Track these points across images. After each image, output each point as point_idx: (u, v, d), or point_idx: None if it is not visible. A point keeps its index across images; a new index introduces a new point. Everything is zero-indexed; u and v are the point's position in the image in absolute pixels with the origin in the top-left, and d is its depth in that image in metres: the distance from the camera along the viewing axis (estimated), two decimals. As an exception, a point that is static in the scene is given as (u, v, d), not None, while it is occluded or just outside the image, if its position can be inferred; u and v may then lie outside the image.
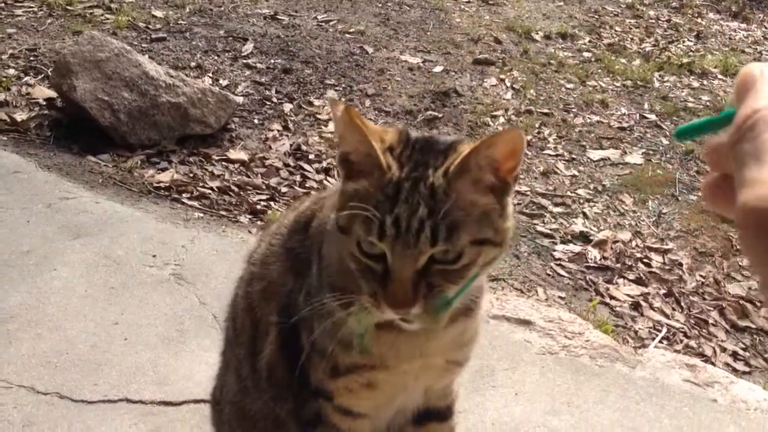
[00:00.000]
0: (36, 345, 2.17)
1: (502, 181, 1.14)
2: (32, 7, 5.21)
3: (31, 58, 4.45)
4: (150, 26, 5.16)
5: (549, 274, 3.35)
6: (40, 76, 4.25)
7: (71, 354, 2.16)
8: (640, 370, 2.33)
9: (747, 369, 2.97)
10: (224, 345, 1.67)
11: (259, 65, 4.81)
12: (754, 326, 3.24)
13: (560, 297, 3.19)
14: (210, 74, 4.60)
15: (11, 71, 4.26)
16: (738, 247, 3.71)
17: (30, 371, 2.09)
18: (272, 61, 4.89)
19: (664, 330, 3.04)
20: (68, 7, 5.26)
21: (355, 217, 1.11)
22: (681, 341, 3.08)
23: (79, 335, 2.23)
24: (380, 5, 6.29)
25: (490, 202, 1.13)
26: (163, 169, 3.60)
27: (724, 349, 3.10)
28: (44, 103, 3.94)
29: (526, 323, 2.44)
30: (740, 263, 3.59)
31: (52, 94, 3.92)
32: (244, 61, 4.85)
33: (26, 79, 4.21)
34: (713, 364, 2.91)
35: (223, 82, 4.52)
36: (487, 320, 2.44)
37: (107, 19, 5.18)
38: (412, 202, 1.09)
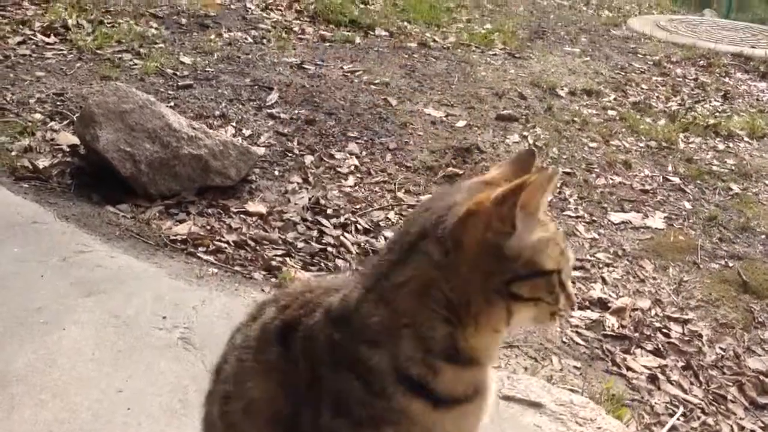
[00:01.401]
0: (38, 412, 2.16)
1: None
2: (62, 50, 5.31)
3: (58, 103, 4.52)
4: (177, 73, 5.23)
5: (565, 342, 3.30)
6: (65, 122, 4.31)
7: (73, 424, 2.14)
8: (652, 462, 2.28)
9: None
10: None
11: (282, 115, 4.84)
12: (773, 404, 3.17)
13: (575, 367, 3.14)
14: (234, 123, 4.64)
15: (37, 116, 4.32)
16: (759, 319, 3.65)
17: (30, 442, 2.09)
18: (296, 111, 4.92)
19: (680, 410, 2.98)
20: (98, 51, 5.35)
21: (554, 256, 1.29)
22: (698, 418, 3.02)
23: (82, 403, 2.22)
24: (407, 56, 6.34)
25: None
26: (181, 221, 3.61)
27: (742, 428, 3.03)
28: (68, 149, 3.99)
29: (536, 406, 2.39)
30: (761, 336, 3.53)
31: (76, 140, 3.97)
32: (269, 110, 4.89)
33: (51, 124, 4.27)
34: (730, 445, 2.86)
35: (247, 132, 4.56)
36: (497, 401, 2.40)
37: (135, 64, 5.26)
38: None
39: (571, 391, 2.71)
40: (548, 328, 3.12)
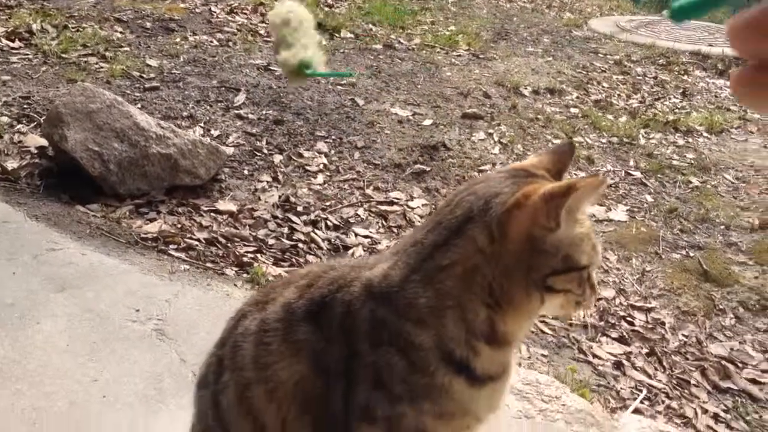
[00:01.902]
0: (15, 401, 2.18)
1: None
2: (28, 55, 5.29)
3: (25, 106, 4.51)
4: (144, 75, 5.23)
5: (533, 332, 3.37)
6: (32, 124, 4.29)
7: (50, 412, 2.17)
8: (616, 436, 2.35)
9: (728, 432, 2.98)
10: None
11: (250, 116, 4.88)
12: (735, 387, 3.25)
13: (543, 355, 3.21)
14: (201, 124, 4.66)
15: (4, 119, 4.31)
16: (720, 306, 3.75)
17: (8, 429, 2.10)
18: (264, 111, 4.96)
19: (644, 392, 3.06)
20: (63, 56, 5.33)
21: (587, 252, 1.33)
22: (663, 402, 3.09)
23: (58, 392, 2.24)
24: (372, 57, 6.40)
25: None
26: (152, 220, 3.63)
27: (705, 411, 3.12)
28: (36, 151, 3.98)
29: (503, 386, 2.46)
30: (723, 323, 3.63)
31: (44, 142, 3.96)
32: (236, 111, 4.91)
33: (19, 127, 4.26)
34: (694, 426, 2.94)
35: (215, 133, 4.58)
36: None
37: (101, 67, 5.26)
38: None
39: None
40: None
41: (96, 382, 2.30)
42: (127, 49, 5.72)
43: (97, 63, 5.35)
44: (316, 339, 1.38)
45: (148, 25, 6.37)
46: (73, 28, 5.96)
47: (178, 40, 6.09)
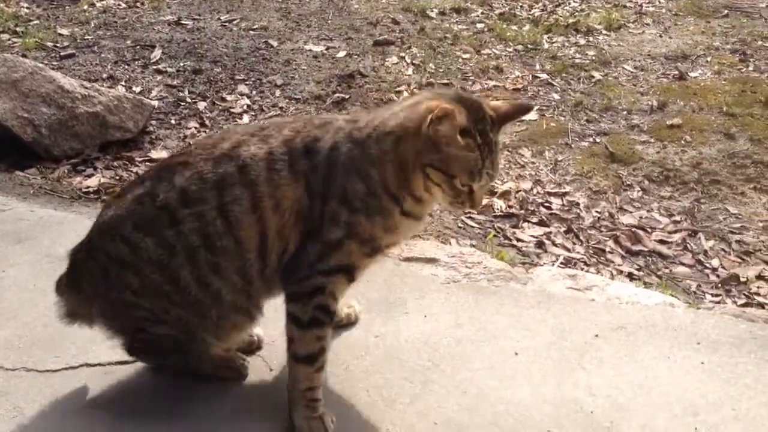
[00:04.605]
0: (-3, 333, 2.42)
1: None
2: (-62, 40, 5.32)
3: (-54, 87, 4.57)
4: (58, 45, 5.32)
5: (461, 227, 3.68)
6: (-43, 103, 4.38)
7: (30, 336, 2.39)
8: (531, 285, 2.68)
9: (642, 286, 3.34)
10: (212, 257, 1.99)
11: (169, 69, 5.03)
12: (646, 249, 3.63)
13: (472, 245, 3.51)
14: (123, 83, 4.80)
15: (-72, 102, 4.38)
16: (627, 182, 4.11)
17: (-7, 356, 2.33)
18: (182, 64, 5.11)
19: (562, 257, 3.41)
20: (-26, 36, 5.39)
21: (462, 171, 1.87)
22: (582, 269, 3.43)
23: (34, 320, 2.46)
24: (280, 1, 6.54)
25: None
26: (90, 175, 3.82)
27: (620, 272, 3.48)
28: (-34, 127, 4.09)
29: (432, 261, 2.78)
30: (631, 197, 3.98)
31: (-27, 117, 4.07)
32: (155, 67, 5.06)
33: (-56, 107, 4.34)
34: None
35: (137, 89, 4.73)
36: (399, 263, 2.77)
37: (15, 42, 5.33)
38: (493, 160, 1.90)
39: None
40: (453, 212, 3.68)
41: (67, 309, 2.52)
42: (37, 22, 5.78)
43: (9, 39, 5.41)
44: (310, 169, 1.96)
45: (53, -4, 6.41)
46: (-22, 9, 5.98)
47: (85, 7, 6.15)
